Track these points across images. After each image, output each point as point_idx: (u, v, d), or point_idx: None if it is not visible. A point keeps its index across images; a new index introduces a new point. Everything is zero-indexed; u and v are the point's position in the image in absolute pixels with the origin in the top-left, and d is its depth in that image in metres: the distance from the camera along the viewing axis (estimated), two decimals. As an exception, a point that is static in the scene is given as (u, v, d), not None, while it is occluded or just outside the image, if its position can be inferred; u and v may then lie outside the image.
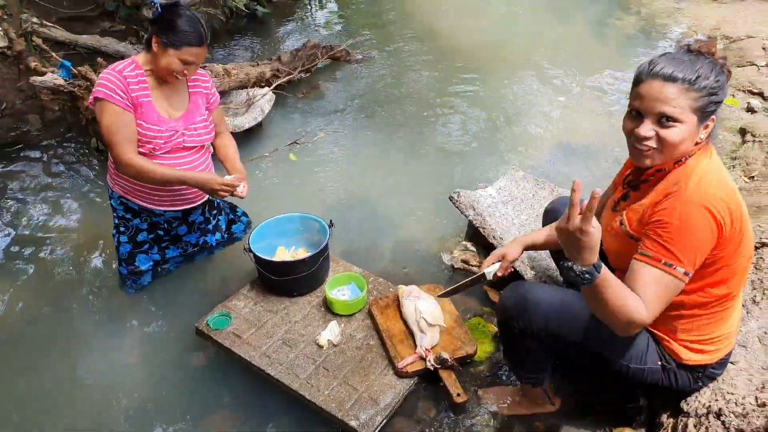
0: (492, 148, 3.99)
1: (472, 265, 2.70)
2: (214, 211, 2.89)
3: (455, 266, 2.75)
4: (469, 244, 2.72)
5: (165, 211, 2.59)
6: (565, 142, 3.94)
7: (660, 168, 1.60)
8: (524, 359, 1.94)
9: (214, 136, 2.61)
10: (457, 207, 2.67)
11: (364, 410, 2.06)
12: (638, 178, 1.70)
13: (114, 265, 2.87)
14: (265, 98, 4.07)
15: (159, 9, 2.24)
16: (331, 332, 2.36)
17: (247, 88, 4.18)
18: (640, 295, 1.47)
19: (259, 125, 4.10)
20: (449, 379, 2.14)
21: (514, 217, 2.70)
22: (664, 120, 1.50)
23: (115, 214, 2.65)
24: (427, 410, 2.17)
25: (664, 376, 1.76)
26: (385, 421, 2.05)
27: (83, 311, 2.75)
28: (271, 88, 4.20)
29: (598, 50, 5.73)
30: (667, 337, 1.71)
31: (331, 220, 2.64)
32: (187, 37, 2.24)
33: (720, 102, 1.51)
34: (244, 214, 3.08)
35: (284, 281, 2.50)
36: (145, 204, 2.53)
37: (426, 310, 2.30)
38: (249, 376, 2.31)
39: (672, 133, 1.50)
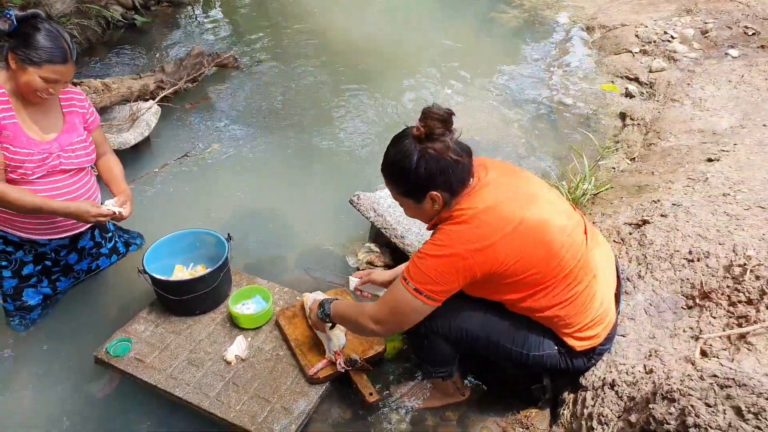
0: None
1: (377, 266, 2.77)
2: (109, 234, 2.75)
3: (360, 268, 2.80)
4: (372, 245, 2.78)
5: (50, 240, 2.43)
6: (467, 138, 4.10)
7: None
8: (433, 356, 2.02)
9: (95, 157, 2.48)
10: (358, 210, 2.72)
11: (277, 421, 2.06)
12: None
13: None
14: (150, 111, 3.91)
15: (14, 22, 2.04)
16: (238, 347, 2.33)
17: (130, 102, 4.00)
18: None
19: (147, 140, 3.93)
20: (361, 381, 2.18)
21: (411, 215, 2.80)
22: None
23: None
24: (342, 413, 2.21)
25: (561, 359, 1.91)
26: (299, 429, 2.07)
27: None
28: (156, 100, 4.05)
29: (487, 46, 6.01)
30: (557, 332, 1.87)
31: (228, 234, 2.60)
32: (48, 53, 2.06)
33: (431, 181, 1.71)
34: (140, 235, 2.96)
35: (185, 300, 2.43)
36: (25, 235, 2.36)
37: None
38: (158, 400, 2.23)
39: (406, 212, 1.89)
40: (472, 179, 1.76)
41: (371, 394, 2.14)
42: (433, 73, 5.24)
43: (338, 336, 2.25)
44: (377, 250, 2.78)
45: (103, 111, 3.92)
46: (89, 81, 3.85)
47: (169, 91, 4.30)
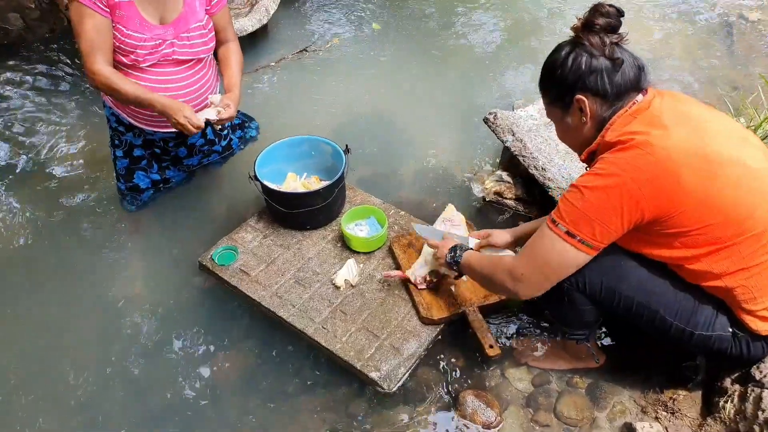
0: (530, 54, 3.57)
1: (506, 198, 2.42)
2: (224, 132, 2.58)
3: (487, 198, 2.46)
4: (504, 174, 2.42)
5: (154, 131, 2.29)
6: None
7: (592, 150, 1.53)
8: (572, 317, 1.71)
9: (213, 46, 2.25)
10: (493, 131, 2.34)
11: (385, 360, 1.87)
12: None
13: (113, 181, 2.60)
14: (270, -3, 3.61)
15: None
16: (348, 271, 2.13)
17: (250, -15, 3.70)
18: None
19: (264, 29, 3.67)
20: (481, 329, 1.92)
21: (558, 142, 2.38)
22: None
23: (108, 125, 2.38)
24: (455, 360, 1.98)
25: (734, 344, 1.53)
26: (408, 372, 1.87)
27: (81, 233, 2.53)
28: (278, -15, 3.71)
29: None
30: (734, 309, 1.51)
31: (347, 145, 2.34)
32: None
33: (579, 80, 1.44)
34: (257, 128, 2.78)
35: (296, 214, 2.24)
36: (131, 120, 2.23)
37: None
38: (260, 315, 2.11)
39: (557, 131, 1.62)
40: (639, 96, 1.44)
41: (491, 346, 1.88)
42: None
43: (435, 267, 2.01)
44: (509, 180, 2.42)
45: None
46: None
47: (292, -25, 3.94)
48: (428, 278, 2.00)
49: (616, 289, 1.56)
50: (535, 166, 2.23)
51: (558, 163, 2.29)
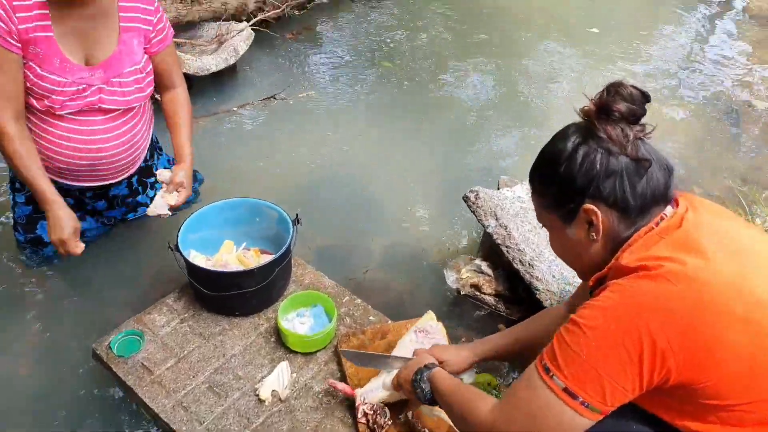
0: (517, 121, 3.23)
1: (485, 293, 1.99)
2: (151, 179, 2.16)
3: (462, 291, 2.04)
4: (483, 264, 2.00)
5: (68, 185, 1.87)
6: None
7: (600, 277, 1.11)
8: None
9: (151, 92, 1.86)
10: (474, 212, 1.95)
11: None
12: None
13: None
14: (241, 35, 3.26)
15: None
16: (278, 379, 1.67)
17: (220, 20, 3.36)
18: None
19: (233, 69, 3.31)
20: (440, 479, 1.46)
21: (548, 234, 1.99)
22: None
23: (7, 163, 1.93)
24: None
25: None
26: None
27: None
28: (251, 23, 3.38)
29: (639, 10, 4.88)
30: None
31: (297, 215, 1.91)
32: None
33: (591, 184, 1.05)
34: (197, 184, 2.35)
35: (222, 297, 1.79)
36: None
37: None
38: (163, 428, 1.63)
39: (551, 242, 1.22)
40: (668, 209, 1.07)
41: (453, 505, 1.41)
42: (559, 48, 4.19)
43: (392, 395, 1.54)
44: (489, 272, 2.00)
45: (188, 27, 3.32)
46: (177, -14, 3.23)
47: (270, 14, 3.63)
48: (374, 411, 1.53)
49: None
50: (520, 260, 1.82)
51: (548, 259, 1.88)
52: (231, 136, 2.96)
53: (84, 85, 1.68)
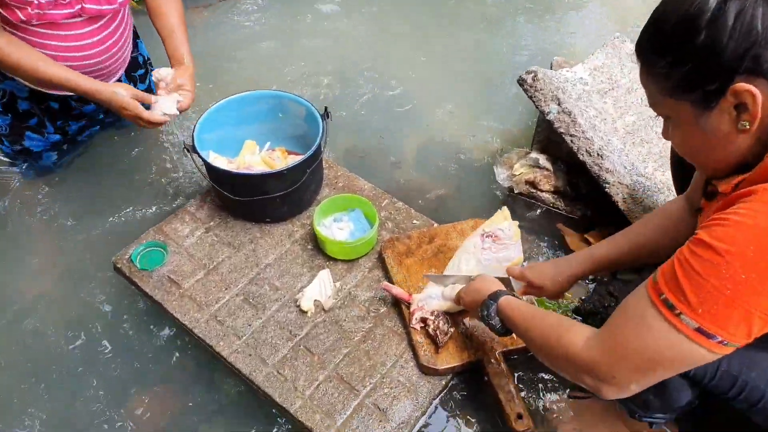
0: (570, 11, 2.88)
1: (542, 191, 1.78)
2: (141, 71, 1.94)
3: (516, 189, 1.82)
4: (541, 158, 1.77)
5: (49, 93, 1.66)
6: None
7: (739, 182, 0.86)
8: (658, 398, 1.10)
9: None
10: (531, 97, 1.69)
11: (365, 431, 1.27)
12: (714, 188, 0.95)
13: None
14: None
15: None
16: (320, 289, 1.51)
17: None
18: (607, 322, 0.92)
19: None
20: (505, 390, 1.32)
21: (616, 117, 1.74)
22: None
23: None
24: (464, 424, 1.37)
25: None
26: (399, 448, 1.27)
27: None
28: None
29: None
30: None
31: (326, 108, 1.68)
32: None
33: (747, 54, 0.76)
34: None
35: (250, 202, 1.60)
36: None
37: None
38: (195, 342, 1.49)
39: (673, 136, 0.94)
40: None
41: (520, 416, 1.28)
42: None
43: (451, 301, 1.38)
44: (548, 165, 1.77)
45: None
46: None
47: None
48: (432, 317, 1.38)
49: (739, 376, 0.97)
50: (587, 150, 1.60)
51: (618, 148, 1.66)
52: (237, 27, 2.66)
53: None
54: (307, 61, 2.49)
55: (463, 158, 2.08)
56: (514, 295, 1.21)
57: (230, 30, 2.67)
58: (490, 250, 1.44)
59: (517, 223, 1.50)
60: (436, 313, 1.38)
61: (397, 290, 1.44)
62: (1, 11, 1.42)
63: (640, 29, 0.91)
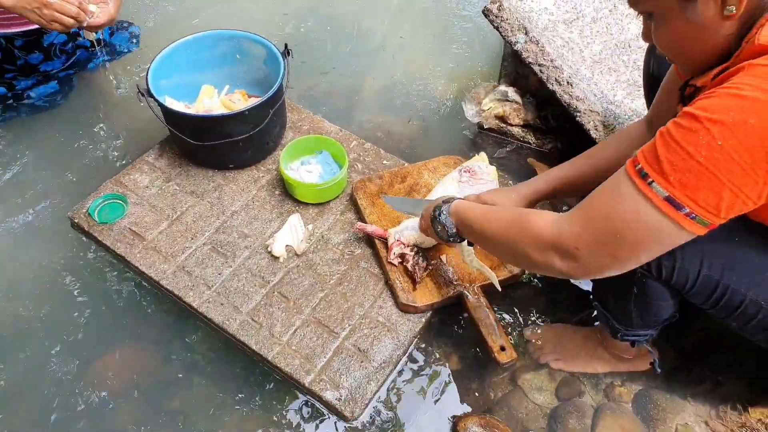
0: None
1: (512, 125, 1.74)
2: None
3: (485, 125, 1.78)
4: (511, 90, 1.72)
5: None
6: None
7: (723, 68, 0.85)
8: (639, 312, 1.11)
9: None
10: (497, 27, 1.64)
11: (347, 372, 1.26)
12: (692, 89, 0.95)
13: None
14: None
15: None
16: (291, 233, 1.46)
17: None
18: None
19: None
20: (486, 323, 1.31)
21: (583, 46, 1.71)
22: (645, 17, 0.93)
23: None
24: (449, 367, 1.36)
25: None
26: (380, 388, 1.26)
27: None
28: None
29: None
30: None
31: (286, 45, 1.60)
32: None
33: None
34: (129, 28, 1.97)
35: (212, 147, 1.52)
36: None
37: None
38: (163, 296, 1.43)
39: (655, 34, 0.91)
40: None
41: (503, 348, 1.28)
42: None
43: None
44: (517, 98, 1.73)
45: None
46: None
47: None
48: (411, 253, 1.35)
49: (720, 280, 0.96)
50: (557, 80, 1.56)
51: (586, 76, 1.63)
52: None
53: None
54: (258, 6, 2.36)
55: (429, 95, 2.02)
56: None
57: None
58: (467, 184, 1.41)
59: (493, 167, 1.47)
60: (414, 248, 1.35)
61: (372, 228, 1.41)
62: None
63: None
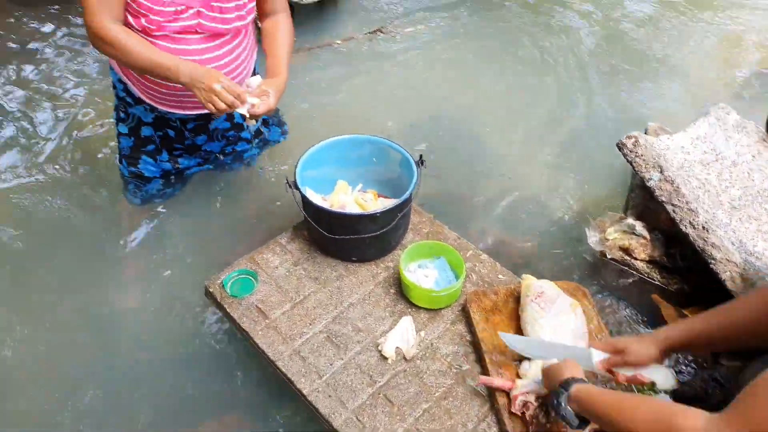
0: (656, 64, 2.85)
1: (636, 259, 1.72)
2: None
3: (608, 255, 1.78)
4: (638, 225, 1.72)
5: (169, 112, 1.73)
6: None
7: None
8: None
9: (252, 19, 1.69)
10: (631, 162, 1.66)
11: (442, 490, 1.24)
12: None
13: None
14: (349, -39, 3.00)
15: None
16: (403, 336, 1.50)
17: (326, -56, 3.11)
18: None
19: (334, -1, 3.08)
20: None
21: (720, 190, 1.68)
22: None
23: (115, 93, 1.84)
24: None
25: None
26: None
27: (76, 215, 2.03)
28: (360, -53, 3.11)
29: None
30: None
31: (420, 156, 1.71)
32: None
33: None
34: (281, 122, 2.17)
35: (341, 240, 1.62)
36: (143, 97, 1.68)
37: (558, 329, 1.40)
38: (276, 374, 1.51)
39: None
40: None
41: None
42: None
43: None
44: (644, 233, 1.72)
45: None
46: None
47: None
48: (535, 403, 1.31)
49: None
50: (691, 223, 1.54)
51: (723, 222, 1.59)
52: (332, 71, 2.76)
53: (183, 6, 1.52)
54: (397, 106, 2.54)
55: (548, 213, 2.05)
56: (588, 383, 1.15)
57: (325, 74, 2.76)
58: (546, 311, 1.41)
59: (549, 282, 1.50)
60: (539, 400, 1.31)
61: (499, 381, 1.36)
62: (128, 16, 1.52)
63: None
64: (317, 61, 2.78)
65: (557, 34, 3.07)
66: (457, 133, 2.43)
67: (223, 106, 1.54)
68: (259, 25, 1.81)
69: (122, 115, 1.84)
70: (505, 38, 3.03)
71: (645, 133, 2.02)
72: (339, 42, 2.93)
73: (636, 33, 3.09)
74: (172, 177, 1.98)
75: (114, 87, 1.81)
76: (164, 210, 2.02)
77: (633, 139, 1.67)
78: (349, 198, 1.78)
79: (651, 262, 1.71)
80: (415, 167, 1.69)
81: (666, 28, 3.13)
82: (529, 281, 1.53)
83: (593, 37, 3.08)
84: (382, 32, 3.00)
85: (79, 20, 2.86)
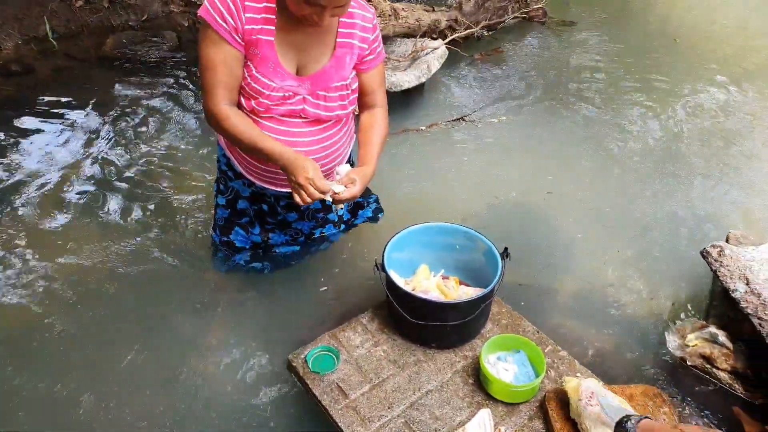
0: (738, 164, 2.84)
1: (717, 368, 1.69)
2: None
3: (688, 361, 1.75)
4: (720, 334, 1.70)
5: (264, 188, 1.88)
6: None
7: None
8: None
9: (353, 109, 1.83)
10: (715, 271, 1.66)
11: None
12: None
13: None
14: (435, 53, 3.21)
15: None
16: (480, 428, 1.51)
17: (415, 37, 3.33)
18: None
19: (420, 87, 3.25)
20: None
21: (811, 310, 1.64)
22: None
23: (218, 166, 2.01)
24: None
25: None
26: None
27: (165, 281, 2.16)
28: (446, 41, 3.32)
29: None
30: None
31: (506, 248, 1.76)
32: None
33: None
34: (377, 201, 2.28)
35: (422, 326, 1.67)
36: (243, 172, 1.84)
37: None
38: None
39: None
40: None
41: None
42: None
43: None
44: (727, 343, 1.69)
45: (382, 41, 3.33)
46: (379, 1, 3.25)
47: (462, 33, 3.56)
48: None
49: None
50: (780, 340, 1.51)
51: (816, 342, 1.54)
52: (416, 154, 2.89)
53: (290, 93, 1.67)
54: (473, 193, 2.62)
55: (625, 311, 2.04)
56: None
57: (407, 156, 2.90)
58: (597, 407, 1.42)
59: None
60: None
61: None
62: (240, 98, 1.67)
63: None
64: (400, 147, 2.93)
65: (630, 131, 3.12)
66: (529, 224, 2.48)
67: (308, 200, 1.66)
68: (358, 115, 1.96)
69: (222, 187, 2.00)
70: (581, 133, 3.11)
71: (727, 240, 2.01)
72: (424, 128, 3.08)
73: (720, 129, 3.11)
74: (260, 251, 2.11)
75: (218, 161, 1.98)
76: (248, 280, 2.13)
77: (718, 249, 1.68)
78: (431, 283, 1.84)
79: (734, 372, 1.67)
80: (499, 259, 1.75)
81: (748, 130, 3.14)
82: (573, 383, 1.52)
83: (667, 135, 3.11)
84: (464, 120, 3.14)
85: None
